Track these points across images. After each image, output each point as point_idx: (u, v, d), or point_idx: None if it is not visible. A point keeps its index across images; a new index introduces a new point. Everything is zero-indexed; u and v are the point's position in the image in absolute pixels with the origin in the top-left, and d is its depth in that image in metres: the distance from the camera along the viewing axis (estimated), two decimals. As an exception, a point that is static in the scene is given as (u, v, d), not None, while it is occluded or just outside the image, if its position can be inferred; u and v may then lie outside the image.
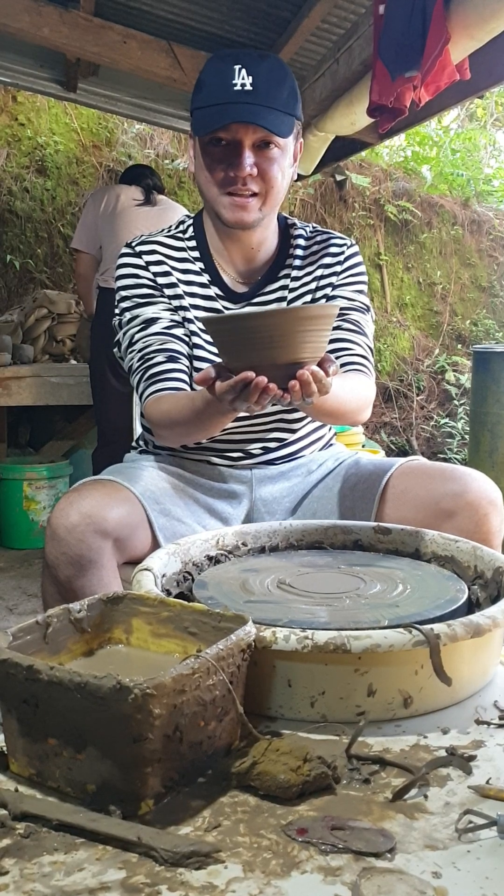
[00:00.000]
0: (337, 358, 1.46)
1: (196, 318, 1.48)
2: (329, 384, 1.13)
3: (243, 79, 1.33)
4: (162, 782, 0.72)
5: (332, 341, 1.47)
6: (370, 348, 1.52)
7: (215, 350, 1.43)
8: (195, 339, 1.48)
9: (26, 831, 0.68)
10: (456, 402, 6.07)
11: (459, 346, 6.43)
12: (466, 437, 5.44)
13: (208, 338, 1.47)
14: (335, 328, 1.48)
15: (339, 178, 6.08)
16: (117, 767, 0.70)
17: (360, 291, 1.56)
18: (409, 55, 2.22)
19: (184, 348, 1.47)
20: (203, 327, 1.48)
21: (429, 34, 2.14)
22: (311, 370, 1.10)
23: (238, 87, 1.33)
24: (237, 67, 1.33)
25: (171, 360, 1.44)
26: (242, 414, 1.45)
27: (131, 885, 0.62)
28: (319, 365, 1.13)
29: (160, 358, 1.43)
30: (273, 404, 1.17)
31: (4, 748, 0.80)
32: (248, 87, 1.33)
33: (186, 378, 1.45)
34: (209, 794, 0.74)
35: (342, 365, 1.46)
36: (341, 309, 1.50)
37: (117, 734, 0.70)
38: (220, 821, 0.70)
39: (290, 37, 3.15)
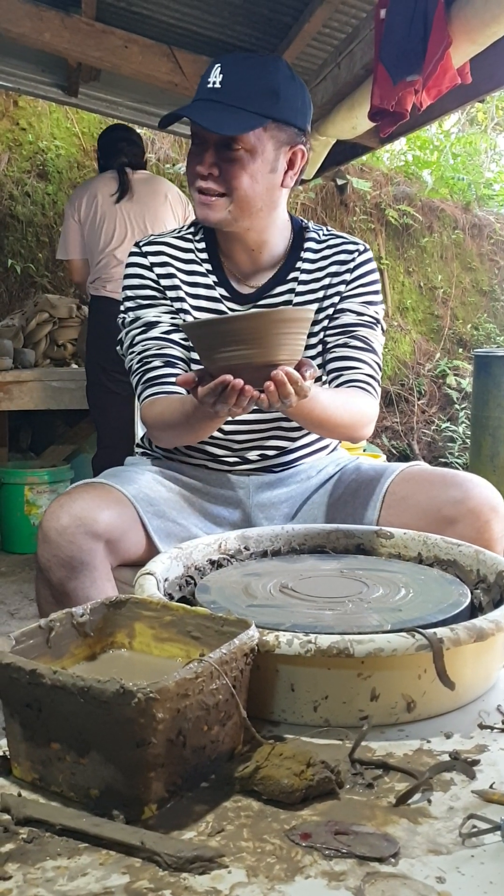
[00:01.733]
0: (341, 376, 1.46)
1: (198, 308, 1.49)
2: (306, 387, 1.16)
3: (215, 77, 1.34)
4: (165, 787, 0.72)
5: (338, 359, 1.47)
6: (378, 365, 1.49)
7: None
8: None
9: (29, 836, 0.68)
10: (457, 406, 6.07)
11: (460, 350, 6.43)
12: (468, 441, 5.44)
13: None
14: (342, 346, 1.47)
15: (340, 182, 6.08)
16: (120, 772, 0.70)
17: (370, 303, 1.51)
18: (411, 59, 2.22)
19: (181, 353, 1.48)
20: None
21: (430, 38, 2.14)
22: (286, 371, 1.13)
23: (209, 86, 1.35)
24: (216, 66, 1.35)
25: (168, 364, 1.46)
26: (241, 417, 1.46)
27: (135, 889, 0.61)
28: (297, 368, 1.15)
29: (157, 362, 1.46)
30: (257, 409, 1.20)
31: (7, 752, 0.79)
32: (217, 86, 1.34)
33: None
34: (212, 798, 0.74)
35: (346, 383, 1.45)
36: (349, 325, 1.49)
37: (120, 738, 0.69)
38: (224, 825, 0.70)
39: (291, 41, 3.16)
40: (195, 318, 1.49)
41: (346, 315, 1.50)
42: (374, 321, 1.51)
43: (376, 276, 1.55)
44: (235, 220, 1.41)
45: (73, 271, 3.63)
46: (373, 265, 1.54)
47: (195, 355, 1.48)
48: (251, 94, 1.33)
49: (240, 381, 1.12)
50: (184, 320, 1.49)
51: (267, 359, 1.12)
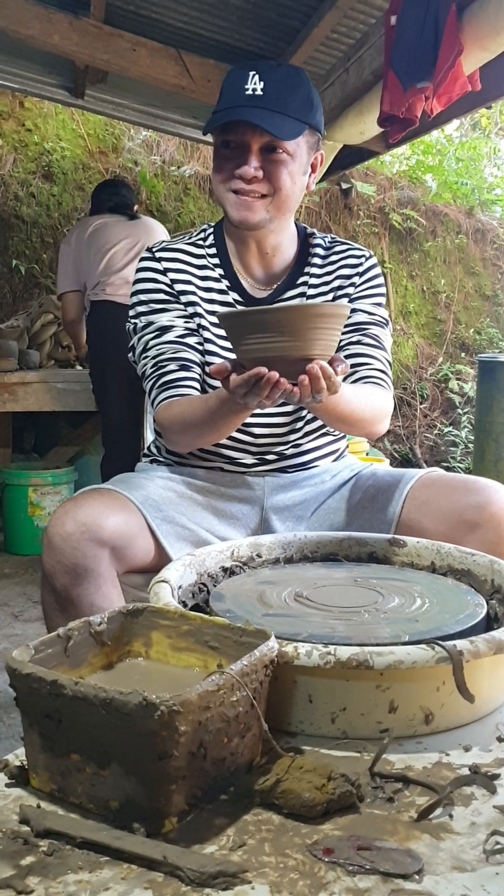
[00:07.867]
0: (356, 372, 1.48)
1: (212, 313, 1.51)
2: (338, 383, 1.16)
3: (255, 84, 1.37)
4: (186, 800, 0.72)
5: (352, 356, 1.49)
6: (389, 362, 1.54)
7: (227, 356, 1.44)
8: (208, 346, 1.50)
9: (50, 849, 0.68)
10: (459, 410, 6.07)
11: (463, 354, 6.43)
12: (470, 446, 5.43)
13: (223, 343, 1.49)
14: (355, 343, 1.50)
15: (344, 186, 6.09)
16: (141, 784, 0.70)
17: (379, 304, 1.57)
18: (422, 66, 2.22)
19: (196, 357, 1.48)
20: (217, 334, 1.50)
21: (441, 45, 2.14)
22: (321, 365, 1.13)
23: (249, 92, 1.37)
24: (251, 74, 1.38)
25: (183, 368, 1.45)
26: (260, 421, 1.46)
27: (159, 905, 0.61)
28: (329, 363, 1.16)
29: (173, 366, 1.45)
30: (283, 402, 1.20)
31: (25, 763, 0.79)
32: (259, 93, 1.37)
33: (198, 386, 1.46)
34: (232, 811, 0.73)
35: (361, 379, 1.48)
36: (361, 323, 1.52)
37: (142, 751, 0.69)
38: (245, 839, 0.69)
39: (299, 46, 3.16)
40: (209, 322, 1.50)
41: (359, 314, 1.53)
42: (384, 321, 1.56)
43: (382, 281, 1.60)
44: (271, 220, 1.45)
45: (66, 306, 3.59)
46: (379, 271, 1.60)
47: (211, 358, 1.49)
48: (292, 102, 1.39)
49: (275, 374, 1.12)
50: (198, 324, 1.50)
51: (302, 353, 1.12)
